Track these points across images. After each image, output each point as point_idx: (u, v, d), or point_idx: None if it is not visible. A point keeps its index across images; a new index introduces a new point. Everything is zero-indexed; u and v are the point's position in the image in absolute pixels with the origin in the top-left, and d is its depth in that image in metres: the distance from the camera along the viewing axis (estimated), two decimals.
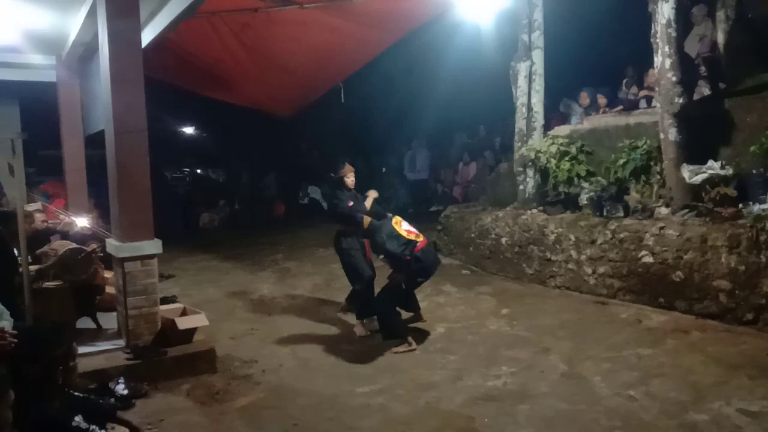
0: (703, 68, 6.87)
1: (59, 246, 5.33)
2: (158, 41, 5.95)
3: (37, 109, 9.22)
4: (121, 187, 4.75)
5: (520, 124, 7.93)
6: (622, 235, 5.91)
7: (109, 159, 4.93)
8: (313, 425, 3.79)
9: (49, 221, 6.35)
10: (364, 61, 7.27)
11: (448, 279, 7.55)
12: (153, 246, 4.79)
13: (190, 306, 5.41)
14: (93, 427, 2.16)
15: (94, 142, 7.08)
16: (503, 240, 7.51)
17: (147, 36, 5.79)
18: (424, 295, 6.75)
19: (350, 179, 5.97)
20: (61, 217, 6.74)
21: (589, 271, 6.25)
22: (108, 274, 5.46)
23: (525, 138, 7.87)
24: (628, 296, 5.84)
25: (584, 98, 9.23)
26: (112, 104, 4.73)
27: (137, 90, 4.77)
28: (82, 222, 6.53)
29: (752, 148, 5.39)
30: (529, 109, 7.80)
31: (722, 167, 5.64)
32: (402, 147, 14.80)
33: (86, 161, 8.00)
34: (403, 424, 3.74)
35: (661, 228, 5.58)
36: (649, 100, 7.90)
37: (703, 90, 6.69)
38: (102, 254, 5.38)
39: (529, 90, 7.75)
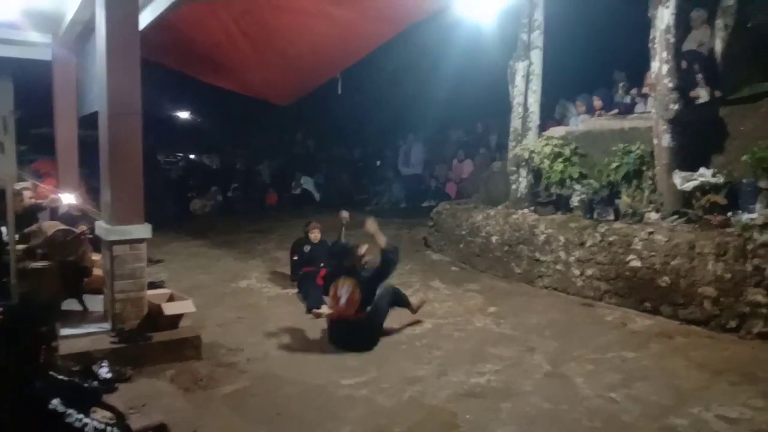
0: (699, 75, 6.89)
1: (48, 226, 5.30)
2: (157, 23, 5.89)
3: (31, 87, 9.10)
4: (112, 169, 4.72)
5: (516, 123, 7.94)
6: (611, 239, 5.93)
7: (101, 140, 4.89)
8: (297, 414, 3.79)
9: (37, 199, 6.30)
10: (362, 53, 7.23)
11: (437, 275, 7.57)
12: (143, 230, 4.76)
13: (178, 292, 5.39)
14: (70, 411, 2.14)
15: (88, 123, 7.01)
16: (493, 238, 7.52)
17: (145, 17, 5.74)
18: (413, 291, 6.77)
19: (314, 234, 6.85)
20: (48, 193, 6.69)
21: (577, 272, 6.28)
22: (96, 257, 5.43)
23: (520, 137, 7.88)
24: (615, 299, 5.88)
25: (579, 106, 9.26)
26: (107, 85, 4.69)
27: (133, 72, 4.72)
28: (68, 199, 6.48)
29: (744, 158, 5.42)
30: (525, 108, 7.81)
31: (714, 175, 5.67)
32: (398, 141, 14.79)
33: (79, 142, 7.93)
34: (386, 416, 3.75)
35: (650, 233, 5.61)
36: (646, 103, 7.92)
37: (699, 95, 6.70)
38: (91, 236, 5.36)
39: (526, 90, 7.76)
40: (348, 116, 15.86)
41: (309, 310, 6.04)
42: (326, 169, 16.01)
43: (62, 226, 5.18)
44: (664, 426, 3.56)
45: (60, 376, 2.51)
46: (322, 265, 6.66)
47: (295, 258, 6.86)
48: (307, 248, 6.75)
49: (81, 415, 2.15)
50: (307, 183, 15.07)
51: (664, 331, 5.12)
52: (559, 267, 6.51)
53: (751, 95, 6.02)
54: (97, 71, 5.03)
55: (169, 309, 4.77)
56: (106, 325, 4.79)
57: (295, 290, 6.78)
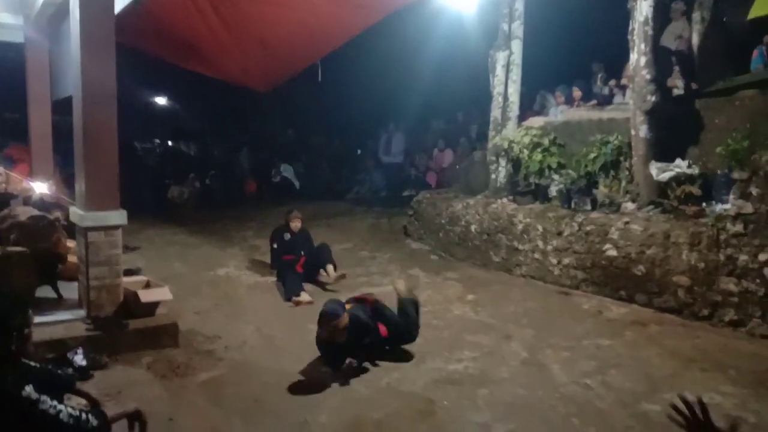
0: (677, 67, 6.97)
1: (21, 212, 5.21)
2: (132, 7, 5.78)
3: (2, 71, 8.91)
4: (87, 154, 4.64)
5: (496, 113, 7.97)
6: (588, 228, 6.00)
7: (76, 126, 4.80)
8: (274, 402, 3.79)
9: (9, 186, 6.18)
10: (342, 40, 7.17)
11: (416, 263, 7.60)
12: (118, 216, 4.70)
13: (155, 279, 5.34)
14: (44, 397, 2.11)
15: (62, 107, 6.88)
16: (473, 227, 7.57)
17: (121, 0, 5.63)
18: (391, 279, 6.78)
19: (294, 224, 6.79)
20: (20, 180, 6.56)
21: (555, 261, 6.35)
22: (71, 244, 5.35)
23: (499, 127, 7.91)
24: (591, 288, 5.96)
25: (559, 97, 9.32)
26: (82, 69, 4.60)
27: (108, 56, 4.64)
28: (41, 188, 6.37)
29: (718, 150, 5.51)
30: (506, 98, 7.84)
31: (689, 166, 5.76)
32: (379, 130, 14.74)
33: (53, 127, 7.78)
34: (364, 404, 3.77)
35: (626, 223, 5.68)
36: (624, 94, 8.00)
37: (676, 86, 6.78)
38: (65, 223, 5.27)
39: (506, 80, 7.79)
40: (328, 105, 15.77)
41: (288, 299, 6.04)
42: (306, 157, 15.92)
43: (35, 212, 5.09)
44: (637, 412, 3.63)
45: (33, 363, 2.47)
46: (302, 253, 6.66)
47: (275, 246, 6.83)
48: (287, 236, 6.73)
49: (55, 402, 2.13)
50: (287, 171, 14.95)
51: (638, 319, 5.21)
52: (536, 256, 6.58)
53: (725, 88, 6.11)
54: (71, 55, 4.92)
55: (146, 296, 4.73)
56: (82, 312, 4.73)
57: (274, 278, 6.76)
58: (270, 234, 7.09)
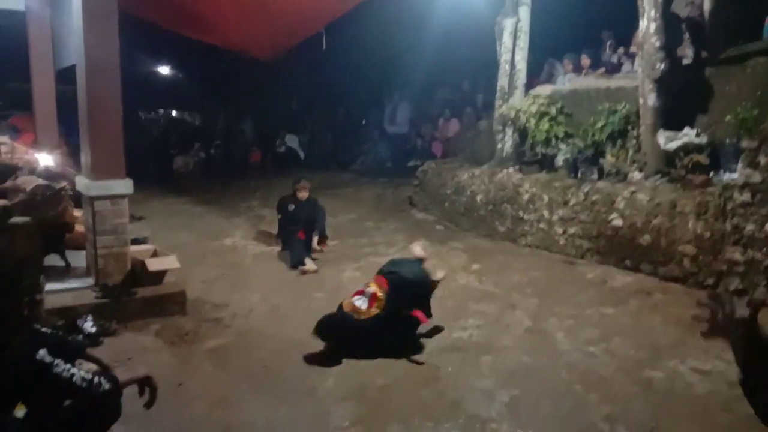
0: (687, 34, 6.85)
1: (27, 182, 5.22)
2: None
3: (5, 40, 8.84)
4: (92, 123, 4.64)
5: (503, 81, 7.88)
6: (594, 198, 5.99)
7: (80, 94, 4.79)
8: (280, 368, 3.85)
9: (14, 156, 6.18)
10: (346, 7, 7.09)
11: (421, 234, 7.60)
12: (124, 185, 4.72)
13: (162, 249, 5.38)
14: (57, 360, 2.15)
15: (66, 77, 6.84)
16: (478, 197, 7.56)
17: None
18: (397, 249, 6.83)
19: (301, 194, 6.71)
20: (25, 150, 6.56)
21: (560, 231, 6.35)
22: (78, 213, 5.38)
23: (506, 96, 7.84)
24: (596, 257, 5.97)
25: (567, 65, 9.19)
26: (84, 38, 4.57)
27: (110, 24, 4.60)
28: (46, 160, 6.37)
29: (728, 118, 5.45)
30: (513, 66, 7.75)
31: (697, 135, 5.70)
32: (384, 100, 14.63)
33: (57, 97, 7.75)
34: (369, 370, 3.82)
35: (633, 192, 5.66)
36: (632, 63, 7.89)
37: (686, 55, 6.68)
38: (72, 192, 5.30)
39: (514, 47, 7.69)
40: (333, 75, 15.61)
41: (294, 266, 6.09)
42: (311, 128, 15.84)
43: (42, 182, 5.11)
44: (640, 379, 3.67)
45: (44, 329, 2.51)
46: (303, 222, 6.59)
47: (279, 216, 6.85)
48: (291, 207, 6.70)
49: (68, 366, 2.16)
50: (292, 141, 14.91)
51: (643, 288, 5.23)
52: (542, 225, 6.58)
53: (736, 56, 6.01)
54: (73, 23, 4.88)
55: (153, 265, 4.78)
56: (90, 281, 4.79)
57: (280, 248, 6.80)
58: (276, 203, 7.09)
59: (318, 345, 4.19)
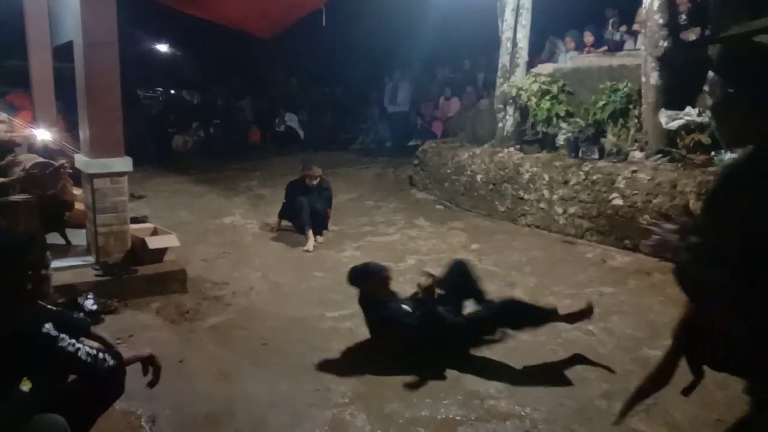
0: (690, 12, 6.80)
1: (26, 159, 5.22)
2: None
3: (2, 16, 8.75)
4: (90, 100, 4.62)
5: (504, 59, 7.82)
6: (594, 177, 5.99)
7: (78, 71, 4.76)
8: (281, 346, 3.88)
9: (13, 133, 6.16)
10: None
11: (421, 213, 7.62)
12: (123, 163, 4.71)
13: (161, 227, 5.39)
14: (63, 335, 2.16)
15: (64, 54, 6.78)
16: (478, 177, 7.55)
17: None
18: (397, 228, 6.85)
19: (311, 181, 6.51)
20: (23, 127, 6.54)
21: (560, 210, 6.36)
22: (77, 191, 5.38)
23: (507, 74, 7.78)
24: (596, 237, 5.99)
25: (569, 43, 9.13)
26: (81, 13, 4.52)
27: None
28: (43, 135, 6.35)
29: None
30: (514, 44, 7.68)
31: (699, 114, 5.68)
32: (384, 78, 14.53)
33: (55, 74, 7.69)
34: (370, 347, 3.85)
35: (634, 171, 5.66)
36: (635, 41, 7.83)
37: (689, 35, 6.64)
38: (71, 170, 5.29)
39: (516, 24, 7.61)
40: (332, 53, 15.50)
41: (301, 229, 6.23)
42: (310, 107, 15.76)
43: (41, 159, 5.10)
44: (637, 357, 3.70)
45: (50, 306, 2.52)
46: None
47: (285, 201, 6.69)
48: (298, 196, 6.43)
49: (73, 340, 2.18)
50: (292, 120, 14.84)
51: (642, 268, 5.24)
52: (542, 205, 6.58)
53: (740, 33, 5.94)
54: None
55: (154, 243, 4.79)
56: (90, 259, 4.80)
57: (281, 226, 6.79)
58: (285, 187, 6.83)
59: (319, 322, 4.23)
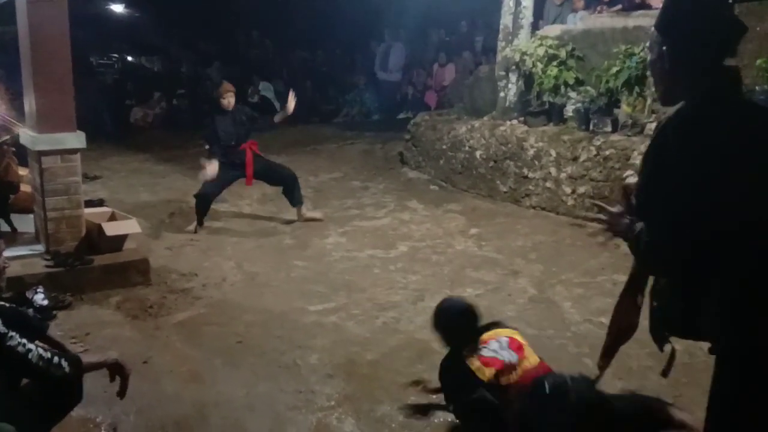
0: None
1: None
2: None
3: None
4: (36, 67, 4.54)
5: (506, 20, 7.78)
6: (607, 152, 6.01)
7: (21, 33, 4.68)
8: (259, 343, 3.89)
9: None
10: None
11: (414, 195, 7.63)
12: (75, 139, 4.66)
13: (120, 211, 5.35)
14: (12, 332, 2.13)
15: (4, 15, 6.67)
16: (478, 153, 7.56)
17: None
18: (387, 211, 6.86)
19: (226, 100, 6.27)
20: None
21: (569, 190, 6.38)
22: (23, 172, 5.32)
23: (510, 37, 7.75)
24: None
25: (578, 2, 9.11)
26: None
27: None
28: None
29: (759, 62, 5.44)
30: (518, 3, 7.64)
31: None
32: (371, 42, 14.42)
33: None
34: (357, 344, 3.87)
35: None
36: None
37: None
38: (14, 148, 5.23)
39: None
40: (312, 13, 15.34)
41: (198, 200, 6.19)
42: (287, 74, 15.63)
43: None
44: (655, 351, 3.69)
45: (1, 303, 2.49)
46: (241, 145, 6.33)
47: (207, 147, 6.35)
48: (220, 118, 6.24)
49: (24, 340, 2.15)
50: (266, 90, 14.71)
51: None
52: (548, 185, 6.61)
53: None
54: None
55: (111, 229, 4.76)
56: (40, 247, 4.77)
57: (255, 208, 6.76)
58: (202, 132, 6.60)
59: (300, 317, 4.23)
